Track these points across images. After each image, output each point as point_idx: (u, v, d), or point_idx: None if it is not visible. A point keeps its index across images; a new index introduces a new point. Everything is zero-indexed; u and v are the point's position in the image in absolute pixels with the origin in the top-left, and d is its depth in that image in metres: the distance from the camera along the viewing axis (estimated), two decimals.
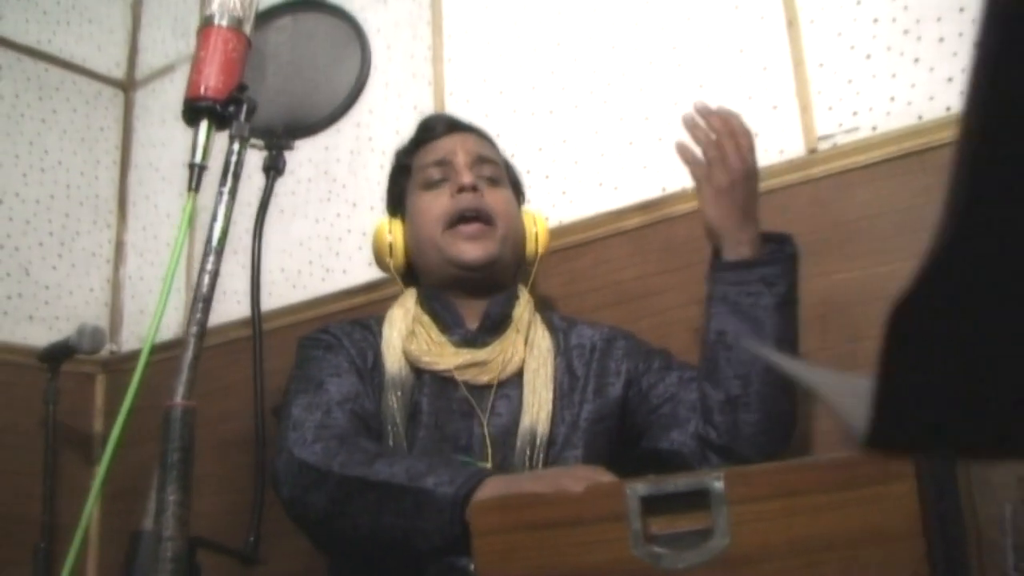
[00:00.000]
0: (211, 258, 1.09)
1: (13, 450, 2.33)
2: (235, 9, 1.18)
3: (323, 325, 1.60)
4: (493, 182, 1.60)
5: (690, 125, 1.38)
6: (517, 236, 1.62)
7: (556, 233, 1.88)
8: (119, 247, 2.72)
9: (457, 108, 2.19)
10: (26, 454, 2.26)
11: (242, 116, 1.16)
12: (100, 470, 1.06)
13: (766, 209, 1.72)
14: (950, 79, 1.64)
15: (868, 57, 1.72)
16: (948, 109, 1.63)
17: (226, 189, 1.12)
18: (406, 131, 2.24)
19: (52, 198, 2.60)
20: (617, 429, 1.53)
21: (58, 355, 2.13)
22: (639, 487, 0.85)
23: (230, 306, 2.36)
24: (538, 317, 1.60)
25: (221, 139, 1.17)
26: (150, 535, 0.96)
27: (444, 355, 1.50)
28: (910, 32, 1.69)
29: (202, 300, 1.07)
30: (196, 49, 1.18)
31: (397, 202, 1.68)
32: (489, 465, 1.43)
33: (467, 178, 1.55)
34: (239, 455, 2.19)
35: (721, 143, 1.36)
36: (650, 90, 1.95)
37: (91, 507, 1.10)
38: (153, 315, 1.10)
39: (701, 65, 1.90)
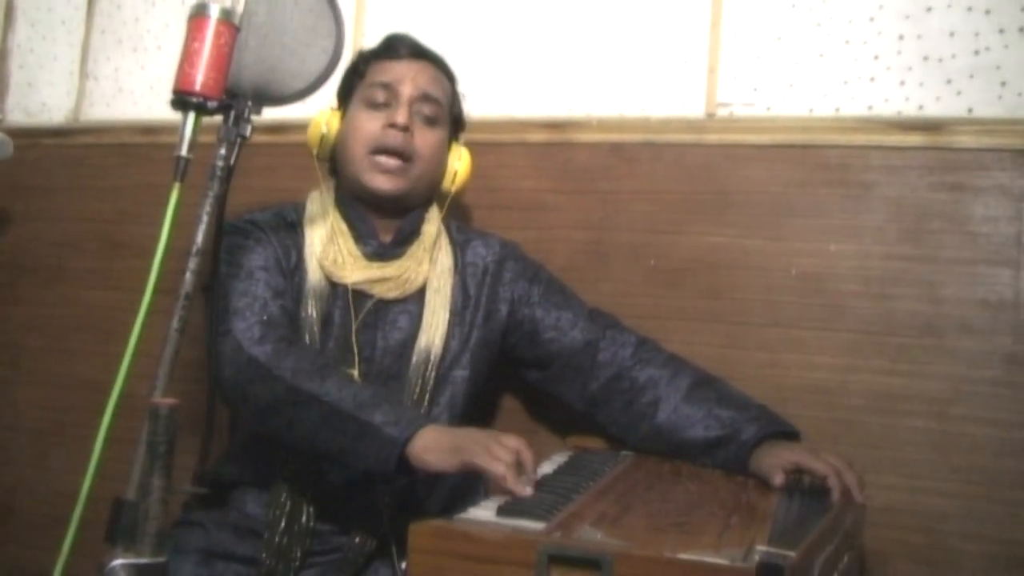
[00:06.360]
0: (194, 259, 1.20)
1: None
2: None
3: (249, 214, 1.70)
4: (429, 122, 1.71)
5: None
6: (435, 174, 1.75)
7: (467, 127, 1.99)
8: (9, 12, 2.63)
9: None
10: None
11: (230, 121, 1.24)
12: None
13: (662, 161, 1.90)
14: (846, 82, 1.81)
15: (779, 39, 1.87)
16: (837, 110, 1.82)
17: (212, 194, 1.22)
18: None
19: None
20: (497, 353, 1.77)
21: None
22: (550, 546, 1.09)
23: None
24: (443, 231, 1.77)
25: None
26: (134, 507, 1.12)
27: (355, 269, 1.67)
28: (821, 26, 1.84)
29: (184, 298, 1.19)
30: (187, 38, 1.23)
31: (344, 96, 1.78)
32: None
33: (402, 117, 1.66)
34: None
35: None
36: (573, 10, 2.03)
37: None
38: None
39: None
